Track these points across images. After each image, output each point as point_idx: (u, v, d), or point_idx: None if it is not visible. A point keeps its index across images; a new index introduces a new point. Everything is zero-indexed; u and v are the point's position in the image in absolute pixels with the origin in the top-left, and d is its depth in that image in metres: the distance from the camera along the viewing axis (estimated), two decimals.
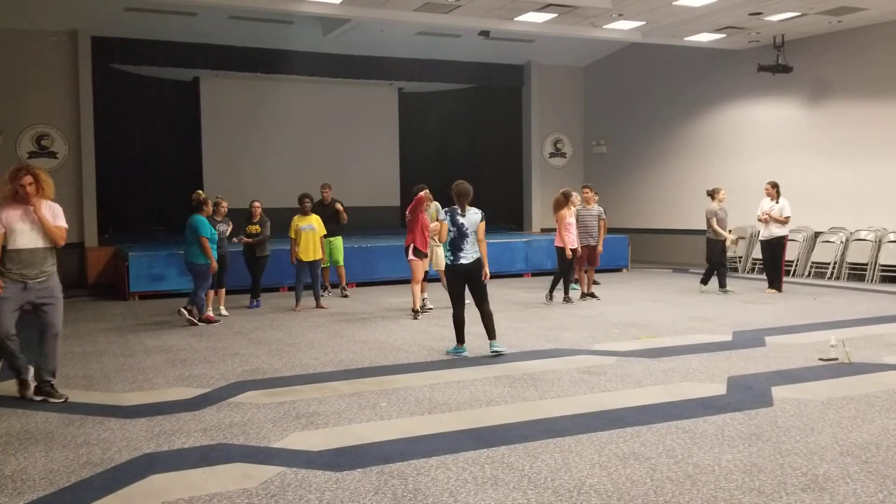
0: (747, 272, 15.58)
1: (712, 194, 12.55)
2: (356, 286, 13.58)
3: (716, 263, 12.41)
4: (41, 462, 4.73)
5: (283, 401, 6.08)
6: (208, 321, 10.04)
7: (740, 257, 15.92)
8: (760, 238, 12.79)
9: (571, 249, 11.24)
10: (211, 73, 18.21)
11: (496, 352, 7.66)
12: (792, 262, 14.95)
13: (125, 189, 17.23)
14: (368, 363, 7.49)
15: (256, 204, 11.72)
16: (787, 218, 12.28)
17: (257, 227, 11.53)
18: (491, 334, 7.73)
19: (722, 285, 12.41)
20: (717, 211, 12.38)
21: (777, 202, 12.34)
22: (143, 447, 4.98)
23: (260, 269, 11.72)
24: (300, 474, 4.44)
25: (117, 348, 8.48)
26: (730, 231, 12.65)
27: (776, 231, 12.32)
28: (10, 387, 6.72)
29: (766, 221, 12.39)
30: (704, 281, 12.56)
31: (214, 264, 9.98)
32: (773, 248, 12.45)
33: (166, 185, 17.99)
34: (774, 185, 12.45)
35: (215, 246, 10.14)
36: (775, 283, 12.46)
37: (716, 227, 12.27)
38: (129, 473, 4.51)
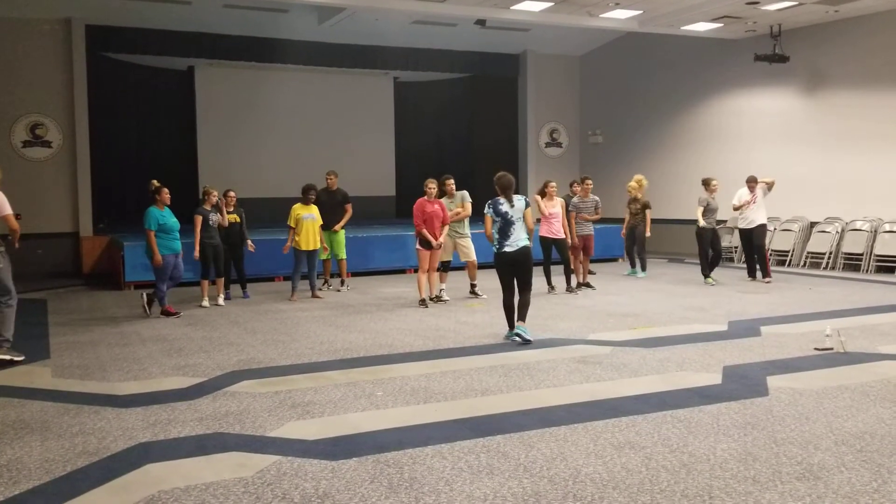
0: (742, 262, 15.58)
1: (705, 183, 12.68)
2: (352, 276, 13.57)
3: (704, 251, 12.58)
4: (37, 451, 4.73)
5: (278, 390, 6.09)
6: (168, 313, 9.82)
7: (736, 247, 15.94)
8: (738, 227, 12.84)
9: (552, 239, 11.30)
10: (206, 62, 18.14)
11: (518, 335, 7.71)
12: (787, 251, 14.99)
13: (120, 178, 17.17)
14: (364, 352, 7.49)
15: (231, 193, 11.40)
16: (771, 183, 12.39)
17: (235, 216, 11.29)
18: (521, 316, 7.82)
19: (709, 272, 12.58)
20: (709, 200, 12.45)
21: (755, 192, 12.39)
22: (139, 436, 4.98)
23: (241, 261, 11.47)
24: (296, 463, 4.44)
25: (112, 338, 8.46)
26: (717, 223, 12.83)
27: (757, 220, 12.35)
28: (4, 376, 6.72)
29: (736, 208, 12.54)
30: (710, 270, 12.65)
31: (157, 258, 9.62)
32: (756, 237, 12.48)
33: (161, 175, 17.75)
34: (755, 180, 12.47)
35: (173, 236, 9.81)
36: (754, 272, 12.54)
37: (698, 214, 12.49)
38: (124, 462, 4.51)
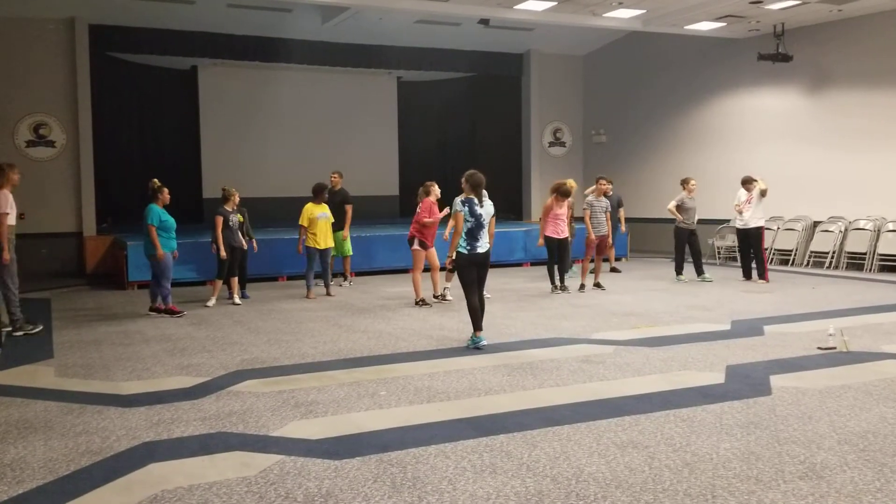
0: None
1: (683, 183, 12.82)
2: (355, 275, 13.57)
3: (678, 251, 12.77)
4: (40, 451, 4.74)
5: (282, 389, 6.09)
6: (172, 312, 9.81)
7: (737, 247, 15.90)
8: (736, 227, 12.89)
9: (558, 239, 11.34)
10: (209, 62, 18.13)
11: (480, 343, 7.58)
12: (791, 251, 14.98)
13: (123, 178, 17.18)
14: (367, 352, 7.50)
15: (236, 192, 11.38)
16: (764, 190, 12.35)
17: (239, 216, 11.19)
18: (481, 324, 7.70)
19: (681, 271, 12.72)
20: (685, 199, 12.58)
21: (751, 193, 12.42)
22: (143, 436, 4.98)
23: (243, 261, 11.39)
24: (299, 462, 4.45)
25: (116, 337, 8.48)
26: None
27: (752, 221, 12.35)
28: (8, 376, 6.74)
29: (739, 211, 12.58)
30: (679, 270, 12.80)
31: (160, 252, 9.63)
32: (749, 238, 12.49)
33: (165, 174, 17.72)
34: (750, 180, 12.50)
35: (171, 235, 9.83)
36: (749, 273, 12.55)
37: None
38: (128, 462, 4.52)
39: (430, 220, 10.45)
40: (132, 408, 5.64)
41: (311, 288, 11.34)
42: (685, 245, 12.67)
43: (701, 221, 13.14)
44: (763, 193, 12.29)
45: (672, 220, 12.95)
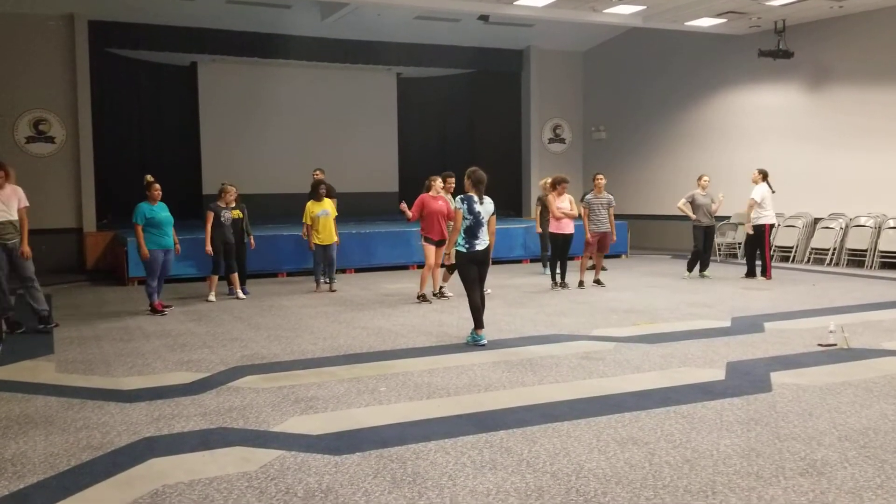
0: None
1: (698, 180, 12.88)
2: (354, 272, 13.58)
3: (695, 249, 12.73)
4: (41, 446, 4.74)
5: (282, 385, 6.09)
6: (155, 310, 9.72)
7: (739, 244, 15.91)
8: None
9: (563, 235, 11.34)
10: (208, 58, 18.12)
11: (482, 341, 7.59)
12: (791, 247, 14.98)
13: (123, 174, 17.16)
14: (367, 348, 7.50)
15: (232, 188, 11.31)
16: (752, 200, 12.31)
17: (237, 212, 11.16)
18: (482, 321, 7.68)
19: (691, 269, 12.75)
20: (695, 195, 12.59)
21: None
22: (143, 431, 4.98)
23: (242, 257, 11.40)
24: (299, 458, 4.45)
25: (116, 333, 8.47)
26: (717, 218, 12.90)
27: (759, 219, 12.33)
28: (9, 371, 6.74)
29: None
30: (689, 267, 12.80)
31: (144, 252, 9.55)
32: (755, 236, 12.47)
33: (164, 170, 17.83)
34: (758, 174, 12.52)
35: (163, 231, 9.72)
36: (753, 272, 12.52)
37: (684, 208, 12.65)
38: (128, 457, 4.52)
39: (408, 214, 10.45)
40: (133, 403, 5.64)
41: (320, 283, 11.49)
42: (702, 243, 12.64)
43: None
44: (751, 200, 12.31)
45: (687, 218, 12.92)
